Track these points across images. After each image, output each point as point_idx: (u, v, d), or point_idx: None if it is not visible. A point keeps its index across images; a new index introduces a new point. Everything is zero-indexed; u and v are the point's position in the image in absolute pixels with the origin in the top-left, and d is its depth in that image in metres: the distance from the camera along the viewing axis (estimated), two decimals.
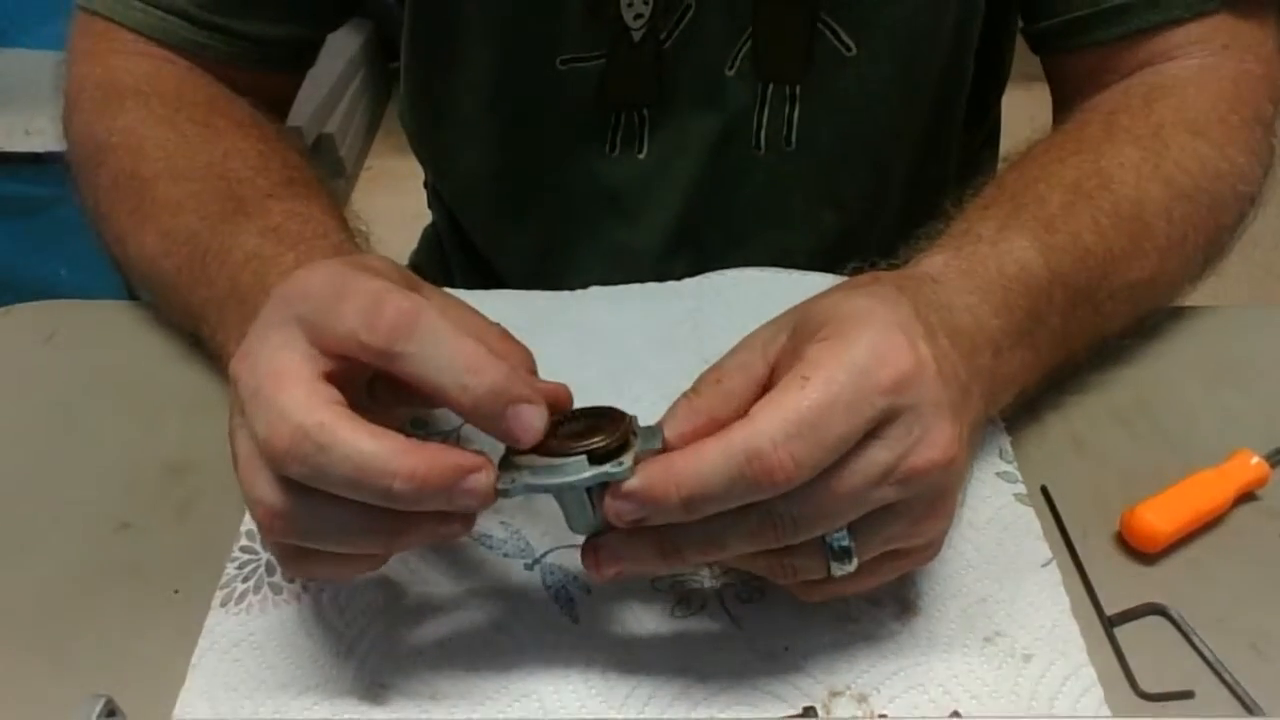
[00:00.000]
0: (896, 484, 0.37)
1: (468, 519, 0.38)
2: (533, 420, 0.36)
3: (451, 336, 0.35)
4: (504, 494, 0.37)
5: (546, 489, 0.37)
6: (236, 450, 0.38)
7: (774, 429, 0.35)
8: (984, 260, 0.47)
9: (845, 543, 0.37)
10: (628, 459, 0.36)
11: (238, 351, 0.38)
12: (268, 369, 0.36)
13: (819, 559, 0.38)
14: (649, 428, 0.39)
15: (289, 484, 0.36)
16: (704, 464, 0.35)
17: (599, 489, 0.37)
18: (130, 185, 0.55)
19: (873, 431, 0.36)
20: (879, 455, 0.36)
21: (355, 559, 0.39)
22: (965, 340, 0.42)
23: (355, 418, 0.35)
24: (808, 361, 0.37)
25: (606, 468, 0.36)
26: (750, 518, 0.37)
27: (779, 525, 0.36)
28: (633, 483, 0.36)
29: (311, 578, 0.45)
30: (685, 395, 0.39)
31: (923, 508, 0.38)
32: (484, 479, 0.36)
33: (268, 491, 0.36)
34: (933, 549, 0.41)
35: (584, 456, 0.36)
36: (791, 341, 0.39)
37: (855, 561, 0.38)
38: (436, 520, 0.37)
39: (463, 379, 0.35)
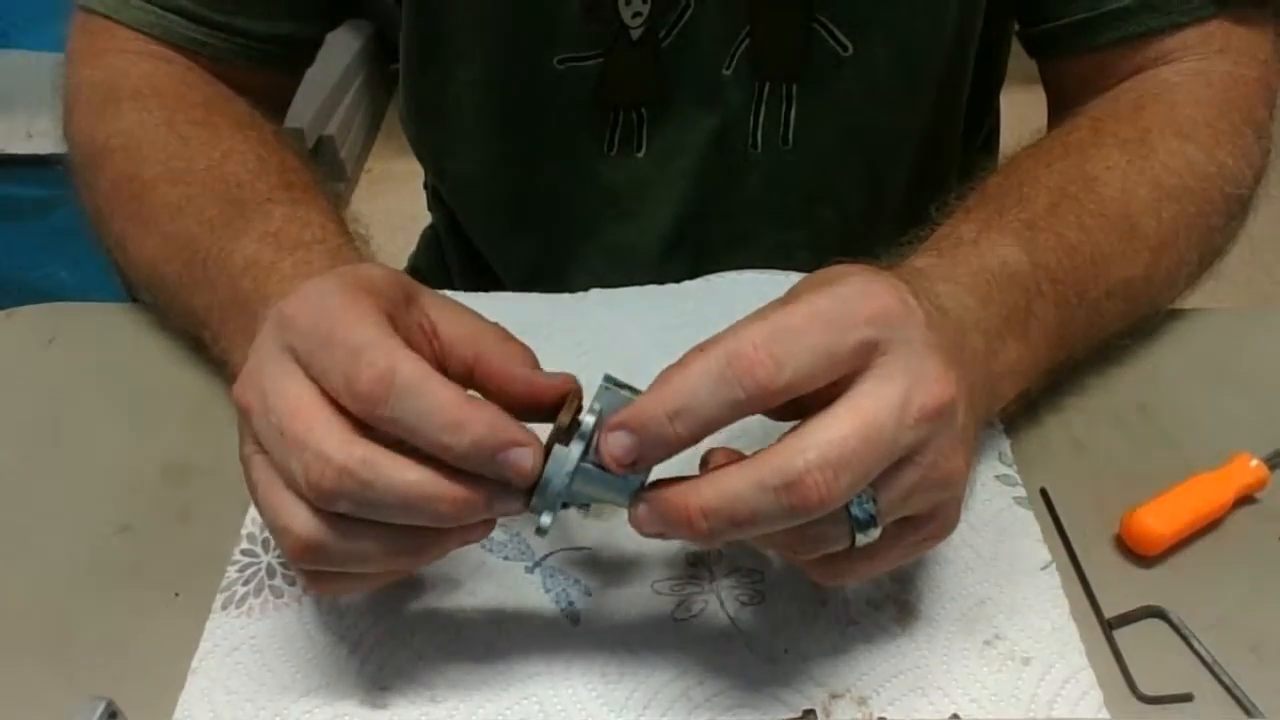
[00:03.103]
0: (913, 425, 0.35)
1: (489, 524, 0.39)
2: (523, 462, 0.36)
3: (428, 395, 0.35)
4: (543, 533, 0.37)
5: (559, 496, 0.37)
6: (255, 479, 0.38)
7: (754, 333, 0.35)
8: (966, 258, 0.47)
9: (870, 509, 0.37)
10: (589, 413, 0.36)
11: (239, 378, 0.38)
12: (283, 405, 0.36)
13: (843, 526, 0.37)
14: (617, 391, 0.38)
15: (327, 515, 0.36)
16: (687, 374, 0.35)
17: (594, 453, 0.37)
18: (129, 189, 0.55)
19: (865, 364, 0.36)
20: (885, 390, 0.35)
21: (380, 576, 0.40)
22: (954, 320, 0.42)
23: (387, 450, 0.36)
24: (791, 297, 0.37)
25: (581, 429, 0.36)
26: (778, 481, 0.35)
27: (814, 486, 0.35)
28: (619, 414, 0.36)
29: (333, 595, 0.46)
30: (667, 367, 0.39)
31: (936, 452, 0.37)
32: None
33: (305, 524, 0.36)
34: (946, 516, 0.40)
35: (555, 444, 0.37)
36: None
37: (879, 528, 0.37)
38: (461, 532, 0.38)
39: (443, 438, 0.35)
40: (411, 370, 0.35)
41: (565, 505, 0.39)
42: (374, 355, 0.35)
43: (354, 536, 0.37)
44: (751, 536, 0.37)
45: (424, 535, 0.37)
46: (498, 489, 0.36)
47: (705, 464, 0.38)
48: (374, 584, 0.41)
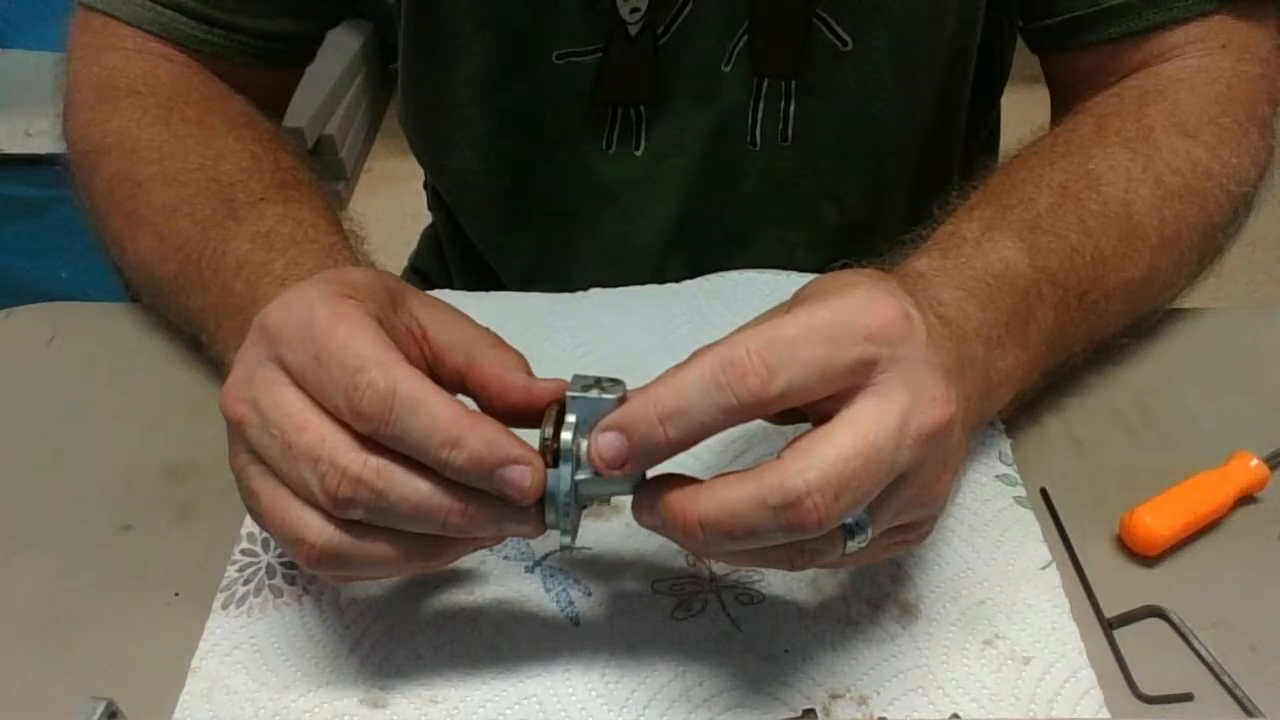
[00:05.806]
0: (911, 446, 0.35)
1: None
2: (522, 480, 0.36)
3: (427, 411, 0.35)
4: (567, 549, 0.38)
5: (567, 513, 0.37)
6: (257, 490, 0.38)
7: (749, 342, 0.35)
8: (969, 260, 0.47)
9: (863, 517, 0.37)
10: (566, 430, 0.37)
11: (225, 390, 0.38)
12: (285, 419, 0.36)
13: (837, 539, 0.37)
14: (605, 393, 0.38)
15: (341, 522, 0.37)
16: (681, 379, 0.35)
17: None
18: (125, 188, 0.55)
19: (864, 381, 0.35)
20: (886, 408, 0.35)
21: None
22: (955, 330, 0.42)
23: (401, 459, 0.36)
24: (794, 304, 0.37)
25: (563, 447, 0.37)
26: (778, 500, 0.35)
27: (813, 508, 0.34)
28: (612, 416, 0.36)
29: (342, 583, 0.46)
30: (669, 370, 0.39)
31: (929, 472, 0.37)
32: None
33: (319, 533, 0.37)
34: (926, 527, 0.41)
35: (549, 464, 0.37)
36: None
37: (869, 535, 0.37)
38: (472, 540, 0.39)
39: (442, 455, 0.35)
40: (411, 387, 0.35)
41: (583, 506, 0.39)
42: (373, 374, 0.35)
43: (369, 541, 0.37)
44: (747, 549, 0.37)
45: (437, 540, 0.38)
46: (507, 505, 0.37)
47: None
48: (385, 577, 0.42)
